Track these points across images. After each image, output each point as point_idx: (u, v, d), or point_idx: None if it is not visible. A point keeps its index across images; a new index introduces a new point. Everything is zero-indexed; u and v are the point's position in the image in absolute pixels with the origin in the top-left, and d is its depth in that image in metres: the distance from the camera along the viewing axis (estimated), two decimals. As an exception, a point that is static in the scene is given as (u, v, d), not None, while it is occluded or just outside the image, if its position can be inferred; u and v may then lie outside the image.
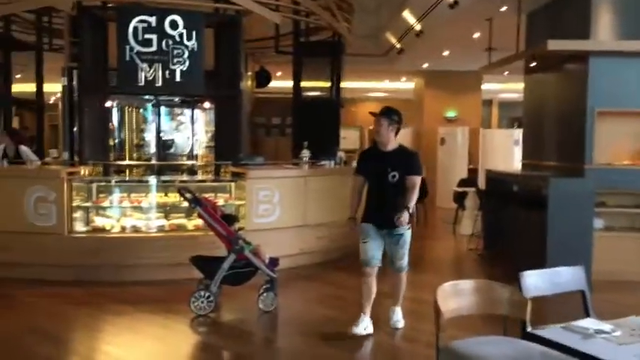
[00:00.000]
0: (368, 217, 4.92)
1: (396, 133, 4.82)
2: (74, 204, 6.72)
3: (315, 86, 9.93)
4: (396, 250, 4.91)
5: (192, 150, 9.22)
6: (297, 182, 7.45)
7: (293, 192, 7.36)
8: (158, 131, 8.57)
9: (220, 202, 7.19)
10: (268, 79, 13.48)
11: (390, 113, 4.80)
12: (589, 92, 6.80)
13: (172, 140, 9.43)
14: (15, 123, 12.50)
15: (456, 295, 3.49)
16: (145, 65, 6.95)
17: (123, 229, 6.88)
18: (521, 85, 17.66)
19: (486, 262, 8.05)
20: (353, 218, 4.97)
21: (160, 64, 7.01)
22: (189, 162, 8.99)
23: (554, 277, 3.76)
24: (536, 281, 3.70)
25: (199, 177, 8.02)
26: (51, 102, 16.15)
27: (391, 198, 4.75)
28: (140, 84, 7.02)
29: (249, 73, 12.53)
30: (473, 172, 13.78)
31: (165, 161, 8.97)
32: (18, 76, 13.51)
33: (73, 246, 6.57)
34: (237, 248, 5.43)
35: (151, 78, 7.01)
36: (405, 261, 4.97)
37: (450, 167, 13.94)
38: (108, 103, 8.29)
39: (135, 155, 9.35)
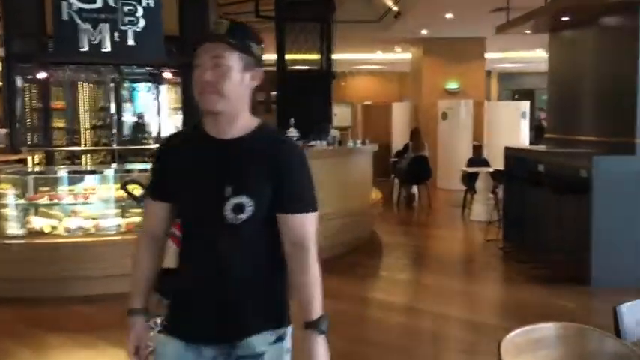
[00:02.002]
0: (174, 318, 1.85)
1: (255, 100, 1.87)
2: (3, 201, 5.37)
3: (302, 59, 8.64)
4: None
5: (159, 132, 7.84)
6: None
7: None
8: (119, 110, 7.20)
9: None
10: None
11: (243, 35, 1.72)
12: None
13: (137, 121, 8.05)
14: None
15: (531, 349, 2.23)
16: (87, 26, 5.57)
17: (67, 231, 5.55)
18: (523, 55, 16.47)
19: (511, 257, 6.79)
20: (138, 311, 1.87)
21: (107, 25, 5.63)
22: (156, 146, 7.62)
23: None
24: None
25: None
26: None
27: (233, 265, 1.76)
28: (83, 49, 5.64)
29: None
30: (477, 149, 12.52)
31: (128, 146, 7.61)
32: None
33: (3, 254, 5.24)
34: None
35: (96, 42, 5.64)
36: None
37: (452, 144, 12.65)
38: (45, 75, 6.81)
39: (93, 140, 7.97)
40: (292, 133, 7.04)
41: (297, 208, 1.76)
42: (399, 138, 13.38)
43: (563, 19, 6.44)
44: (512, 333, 2.16)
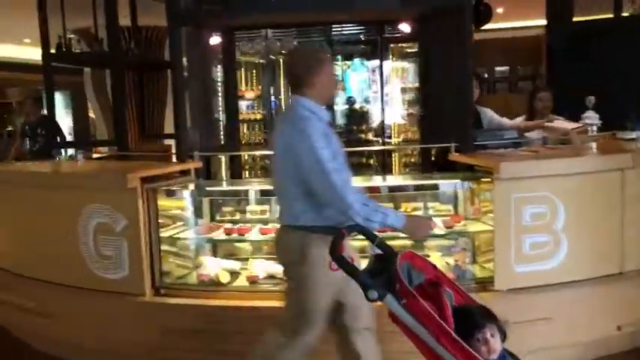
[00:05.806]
0: None
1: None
2: (163, 234, 3.56)
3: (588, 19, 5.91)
4: None
5: (383, 122, 5.61)
6: (602, 182, 3.45)
7: (594, 204, 3.40)
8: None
9: (437, 228, 3.55)
10: (488, 16, 9.59)
11: None
12: None
13: (351, 107, 5.93)
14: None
15: None
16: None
17: (251, 282, 3.58)
18: None
19: None
20: None
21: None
22: (373, 145, 5.43)
23: None
24: None
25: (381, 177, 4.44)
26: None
27: None
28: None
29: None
30: None
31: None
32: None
33: (159, 318, 3.41)
34: None
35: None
36: None
37: None
38: (218, 43, 4.81)
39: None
40: (590, 118, 4.40)
41: None
42: None
43: None
44: None
